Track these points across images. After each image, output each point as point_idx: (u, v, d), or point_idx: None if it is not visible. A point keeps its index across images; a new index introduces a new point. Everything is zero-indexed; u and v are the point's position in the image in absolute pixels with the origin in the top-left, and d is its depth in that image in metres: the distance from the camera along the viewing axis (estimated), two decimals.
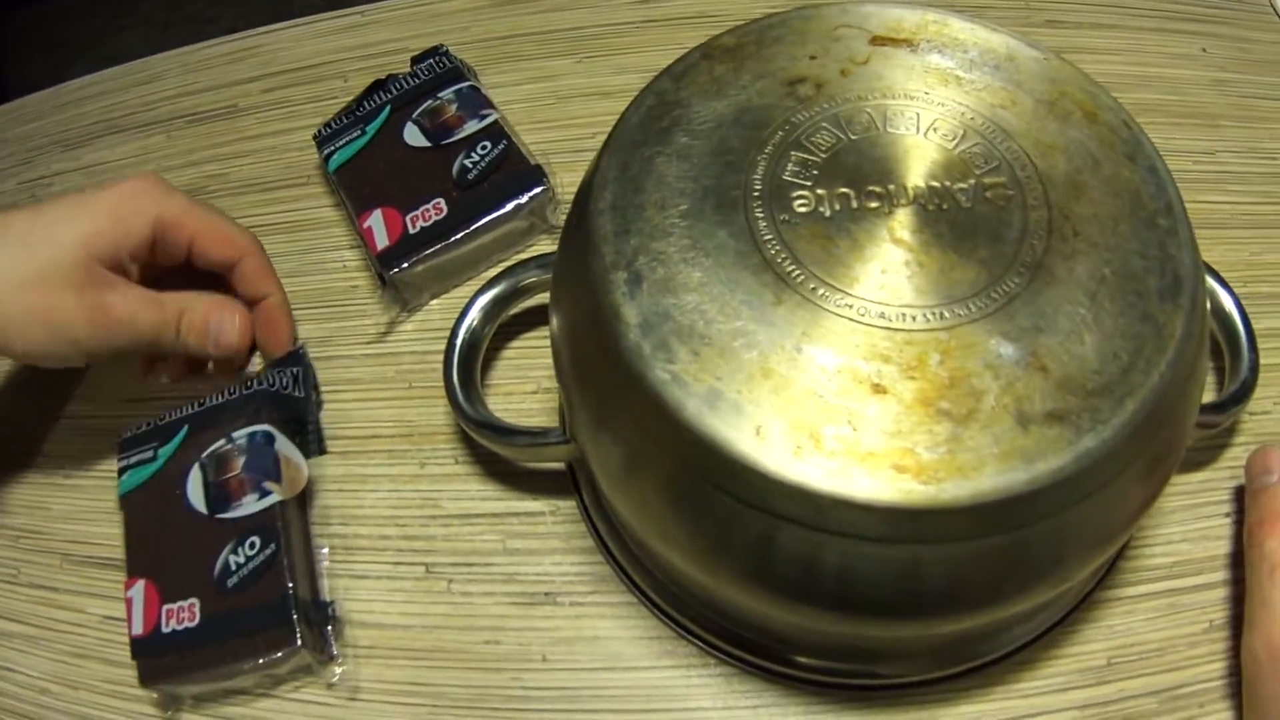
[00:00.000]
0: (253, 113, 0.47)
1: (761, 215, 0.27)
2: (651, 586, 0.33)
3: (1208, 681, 0.32)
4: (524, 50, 0.48)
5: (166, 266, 0.36)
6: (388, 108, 0.42)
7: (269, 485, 0.34)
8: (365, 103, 0.42)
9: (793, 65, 0.30)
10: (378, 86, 0.43)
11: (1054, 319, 0.25)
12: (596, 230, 0.27)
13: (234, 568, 0.32)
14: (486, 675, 0.33)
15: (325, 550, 0.35)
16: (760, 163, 0.28)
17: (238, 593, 0.32)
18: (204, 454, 0.35)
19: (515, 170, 0.40)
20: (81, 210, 0.32)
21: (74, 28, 1.07)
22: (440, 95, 0.42)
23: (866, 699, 0.32)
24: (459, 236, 0.38)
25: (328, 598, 0.34)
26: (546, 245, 0.41)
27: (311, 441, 0.36)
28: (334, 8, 0.50)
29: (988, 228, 0.27)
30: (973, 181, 0.27)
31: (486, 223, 0.39)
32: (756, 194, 0.27)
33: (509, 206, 0.39)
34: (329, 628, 0.33)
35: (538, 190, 0.39)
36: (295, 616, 0.31)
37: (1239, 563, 0.33)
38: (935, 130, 0.29)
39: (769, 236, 0.26)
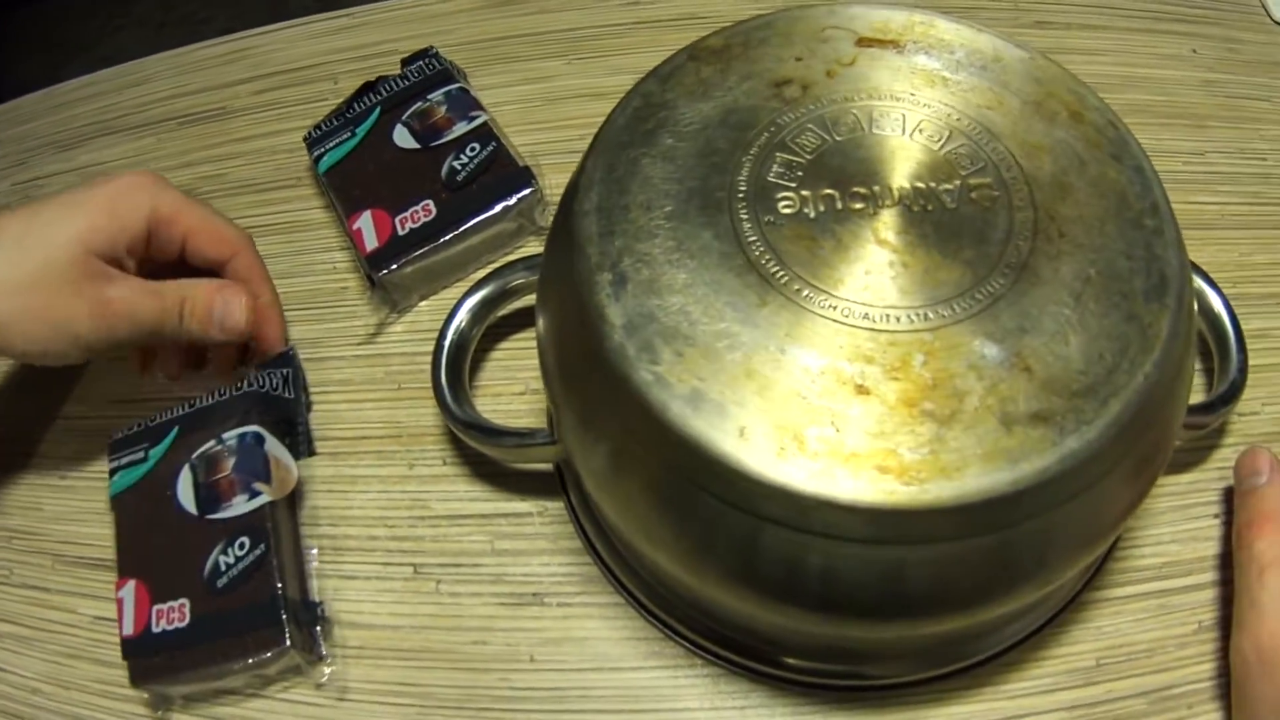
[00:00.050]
0: (244, 114, 0.47)
1: (746, 216, 0.27)
2: (639, 587, 0.33)
3: (1197, 683, 0.32)
4: (516, 51, 0.48)
5: (161, 263, 0.36)
6: (378, 109, 0.42)
7: (259, 486, 0.34)
8: (355, 104, 0.42)
9: (779, 67, 0.30)
10: (368, 88, 0.43)
11: (1039, 320, 0.25)
12: (581, 231, 0.27)
13: (224, 568, 0.32)
14: (474, 676, 0.33)
15: (314, 551, 0.35)
16: (745, 164, 0.28)
17: (227, 593, 0.32)
18: (194, 455, 0.35)
19: (504, 172, 0.40)
20: (77, 207, 0.32)
21: (70, 28, 1.07)
22: (430, 97, 0.42)
23: (854, 700, 0.32)
24: (448, 238, 0.39)
25: (317, 598, 0.34)
26: (535, 247, 0.41)
27: (301, 442, 0.36)
28: (328, 9, 0.50)
29: (973, 229, 0.27)
30: (958, 182, 0.28)
31: (475, 224, 0.39)
32: (741, 195, 0.27)
33: (497, 208, 0.39)
34: (318, 628, 0.33)
35: (526, 192, 0.39)
36: (284, 617, 0.31)
37: (1228, 564, 0.33)
38: (921, 131, 0.29)
39: (753, 238, 0.26)
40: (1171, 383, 0.26)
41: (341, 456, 0.37)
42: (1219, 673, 0.32)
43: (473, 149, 0.40)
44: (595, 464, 0.28)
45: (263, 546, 0.32)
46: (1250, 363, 0.34)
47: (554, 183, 0.40)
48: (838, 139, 0.28)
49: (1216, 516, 0.35)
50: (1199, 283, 0.35)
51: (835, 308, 0.25)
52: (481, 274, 0.36)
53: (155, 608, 0.32)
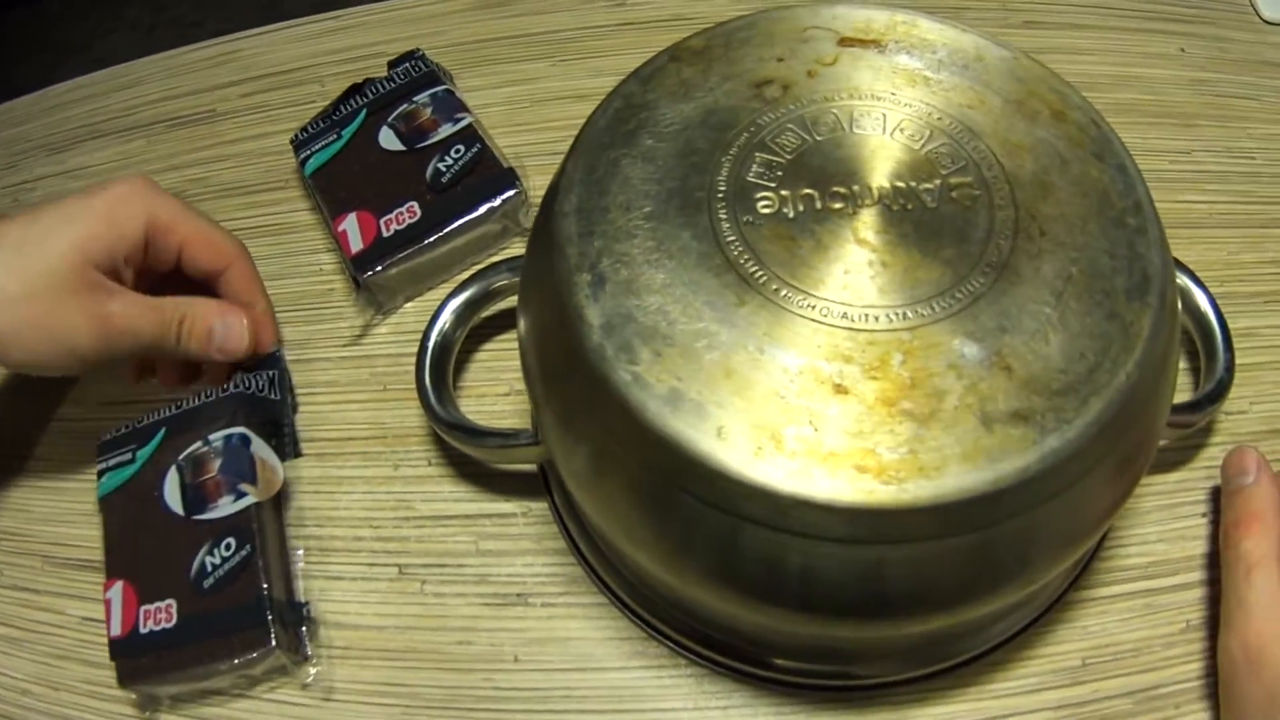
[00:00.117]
0: (231, 117, 0.47)
1: (725, 217, 0.27)
2: (622, 587, 0.33)
3: (1184, 682, 0.32)
4: (501, 54, 0.48)
5: (157, 271, 0.36)
6: (363, 112, 0.42)
7: (244, 487, 0.34)
8: (341, 107, 0.42)
9: (760, 67, 0.30)
10: (354, 90, 0.43)
11: (1019, 319, 0.25)
12: (561, 232, 0.27)
13: (210, 569, 0.32)
14: (459, 676, 0.33)
15: (300, 552, 0.35)
16: (725, 164, 0.28)
17: (214, 594, 0.32)
18: (181, 456, 0.35)
19: (488, 173, 0.40)
20: (74, 216, 0.32)
21: (63, 31, 1.07)
22: (415, 99, 0.42)
23: (838, 699, 0.32)
24: (432, 239, 0.39)
25: (302, 599, 0.34)
26: (520, 248, 0.41)
27: (287, 444, 0.36)
28: (322, 10, 0.51)
29: (953, 228, 0.27)
30: (939, 181, 0.27)
31: (459, 226, 0.39)
32: (720, 195, 0.27)
33: (482, 209, 0.39)
34: (304, 629, 0.33)
35: (510, 193, 0.39)
36: (270, 617, 0.31)
37: (1215, 563, 0.33)
38: (902, 131, 0.29)
39: (732, 238, 0.26)
40: (1154, 382, 0.26)
41: (327, 457, 0.37)
42: (1206, 672, 0.32)
43: (458, 151, 0.40)
44: (576, 464, 0.28)
45: (248, 547, 0.33)
46: (1238, 361, 0.34)
47: (538, 184, 0.40)
48: (818, 139, 0.28)
49: (1204, 516, 0.35)
50: (1186, 281, 0.35)
51: (814, 307, 0.25)
52: (465, 275, 0.36)
53: (143, 608, 0.32)
